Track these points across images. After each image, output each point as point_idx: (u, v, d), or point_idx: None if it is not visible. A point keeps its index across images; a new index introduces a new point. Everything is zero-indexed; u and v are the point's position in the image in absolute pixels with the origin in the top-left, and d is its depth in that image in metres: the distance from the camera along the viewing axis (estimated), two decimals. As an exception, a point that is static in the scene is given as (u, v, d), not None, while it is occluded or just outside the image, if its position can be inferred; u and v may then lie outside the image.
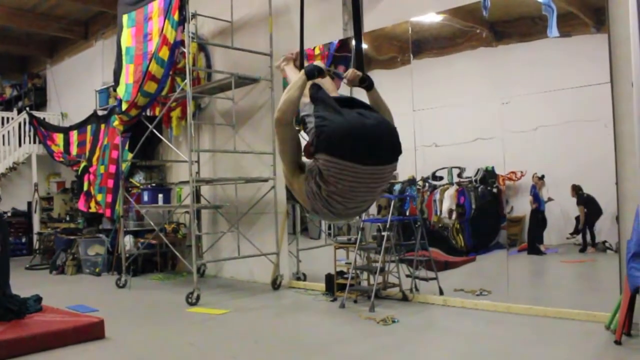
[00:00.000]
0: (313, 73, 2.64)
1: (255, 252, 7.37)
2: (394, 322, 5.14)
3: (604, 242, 5.08)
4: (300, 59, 2.90)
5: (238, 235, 7.68)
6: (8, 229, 5.97)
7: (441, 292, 5.94)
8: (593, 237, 5.16)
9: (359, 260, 6.31)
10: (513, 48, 5.66)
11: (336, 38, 6.90)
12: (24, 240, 12.41)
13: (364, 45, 6.77)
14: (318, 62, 2.81)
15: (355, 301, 6.04)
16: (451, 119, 6.03)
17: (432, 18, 6.15)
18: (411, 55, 6.27)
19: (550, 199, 5.43)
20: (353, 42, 6.66)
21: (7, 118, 12.39)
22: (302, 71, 2.62)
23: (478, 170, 5.96)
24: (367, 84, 2.80)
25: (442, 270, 6.10)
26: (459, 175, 6.11)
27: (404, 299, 6.02)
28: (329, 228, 7.48)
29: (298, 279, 7.28)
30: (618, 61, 4.79)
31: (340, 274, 6.45)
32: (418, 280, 6.15)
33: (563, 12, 5.20)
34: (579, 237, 5.24)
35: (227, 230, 7.85)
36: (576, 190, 5.19)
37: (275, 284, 7.17)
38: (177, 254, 7.63)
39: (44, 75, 13.87)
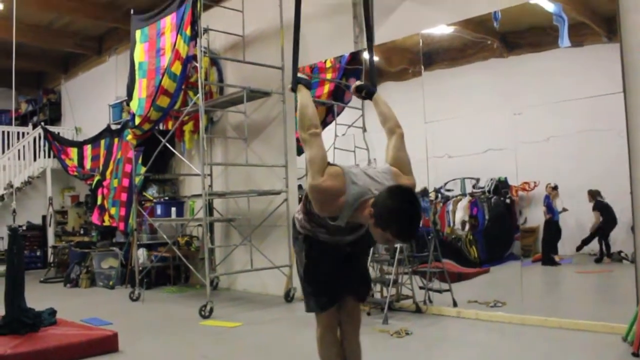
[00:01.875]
0: (309, 83, 2.91)
1: (268, 265, 7.36)
2: (407, 334, 5.10)
3: (620, 252, 5.03)
4: (294, 69, 2.98)
5: (251, 248, 7.68)
6: (23, 242, 6.02)
7: (455, 304, 5.90)
8: (608, 247, 5.11)
9: (372, 272, 6.29)
10: (524, 59, 5.65)
11: (347, 51, 6.93)
12: (38, 253, 12.50)
13: (375, 58, 6.79)
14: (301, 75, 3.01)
15: (368, 313, 6.00)
16: (463, 130, 6.02)
17: (442, 30, 6.17)
18: (422, 67, 6.29)
19: (564, 209, 5.38)
20: (365, 55, 6.76)
21: (23, 133, 12.56)
22: (302, 86, 2.85)
23: (491, 180, 5.94)
24: (363, 93, 3.02)
25: (455, 281, 6.06)
26: (474, 187, 6.07)
27: (418, 311, 5.99)
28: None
29: (311, 291, 7.25)
30: (630, 70, 4.77)
31: (353, 286, 6.42)
32: (431, 292, 6.11)
33: (574, 22, 5.19)
34: (595, 247, 5.18)
35: (240, 243, 7.86)
36: (593, 195, 5.13)
37: (288, 297, 7.15)
38: (190, 267, 7.65)
39: (59, 91, 14.05)
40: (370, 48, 3.30)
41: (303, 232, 2.93)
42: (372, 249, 6.17)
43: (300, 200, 2.96)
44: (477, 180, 6.05)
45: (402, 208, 2.38)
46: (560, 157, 5.39)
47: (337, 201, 2.49)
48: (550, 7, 5.33)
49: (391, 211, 2.37)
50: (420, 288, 6.16)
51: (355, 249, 2.99)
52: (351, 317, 3.08)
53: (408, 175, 2.74)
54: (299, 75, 2.94)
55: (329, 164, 2.58)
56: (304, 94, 2.81)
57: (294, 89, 2.89)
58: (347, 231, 2.76)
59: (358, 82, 3.10)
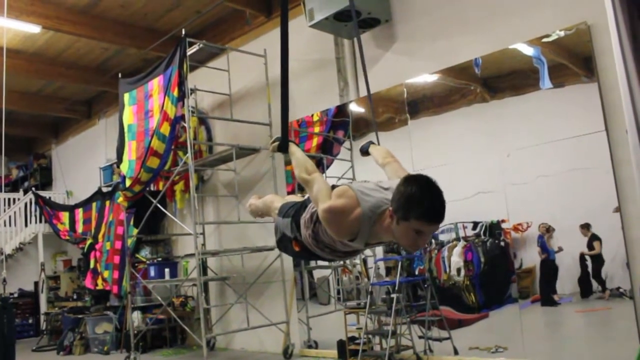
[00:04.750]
0: (295, 143, 3.00)
1: (264, 322, 7.25)
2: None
3: (618, 288, 4.99)
4: (284, 132, 2.99)
5: (246, 306, 7.57)
6: (14, 311, 5.93)
7: (456, 352, 5.80)
8: (603, 283, 5.06)
9: (370, 324, 6.20)
10: (508, 102, 5.71)
11: (333, 104, 7.04)
12: (30, 321, 12.25)
13: (361, 109, 6.91)
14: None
15: (369, 367, 5.90)
16: (452, 175, 6.04)
17: (425, 78, 6.27)
18: (408, 116, 6.37)
19: (560, 249, 5.37)
20: (350, 107, 6.87)
21: (14, 199, 12.53)
22: (292, 144, 2.93)
23: (482, 224, 5.92)
24: (364, 151, 3.41)
25: (455, 328, 5.97)
26: (472, 229, 6.02)
27: (419, 361, 5.88)
28: (338, 293, 7.38)
29: (309, 347, 7.13)
30: (610, 109, 4.86)
31: (352, 339, 6.33)
32: (431, 341, 6.02)
33: (553, 64, 5.31)
34: (596, 285, 5.13)
35: (235, 301, 7.76)
36: (588, 228, 5.13)
37: (287, 354, 7.02)
38: (186, 328, 7.52)
39: (49, 155, 14.08)
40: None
41: (303, 241, 2.82)
42: (369, 300, 6.12)
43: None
44: (474, 223, 6.00)
45: (421, 187, 2.27)
46: (550, 197, 5.40)
47: (352, 216, 2.40)
48: (529, 51, 5.46)
49: (409, 195, 2.24)
50: (420, 337, 6.06)
51: None
52: None
53: None
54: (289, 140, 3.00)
55: (333, 186, 2.56)
56: (297, 149, 2.87)
57: (283, 150, 2.93)
58: (348, 254, 2.84)
59: (360, 146, 3.45)
